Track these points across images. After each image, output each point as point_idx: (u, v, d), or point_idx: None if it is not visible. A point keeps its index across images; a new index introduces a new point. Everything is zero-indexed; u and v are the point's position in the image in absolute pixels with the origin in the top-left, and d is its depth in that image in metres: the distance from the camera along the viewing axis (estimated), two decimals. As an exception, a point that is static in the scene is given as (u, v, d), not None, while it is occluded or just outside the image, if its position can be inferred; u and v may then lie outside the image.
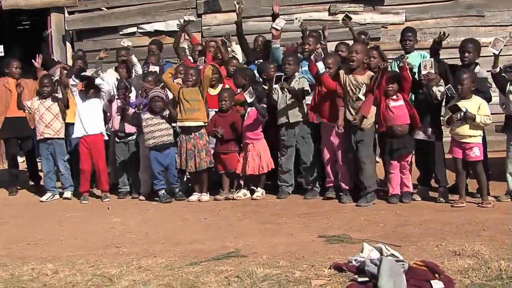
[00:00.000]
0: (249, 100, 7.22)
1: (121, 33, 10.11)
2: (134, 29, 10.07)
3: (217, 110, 7.66)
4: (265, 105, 7.43)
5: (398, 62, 7.00)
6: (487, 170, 6.84)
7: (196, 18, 8.57)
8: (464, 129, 6.51)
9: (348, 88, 6.89)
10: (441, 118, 6.80)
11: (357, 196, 6.98)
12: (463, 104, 6.45)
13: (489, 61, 6.96)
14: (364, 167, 6.86)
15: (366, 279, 4.26)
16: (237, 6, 8.42)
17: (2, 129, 8.57)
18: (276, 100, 7.38)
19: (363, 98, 6.81)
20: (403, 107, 6.75)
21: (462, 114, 6.41)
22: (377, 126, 6.95)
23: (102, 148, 7.93)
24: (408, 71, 6.63)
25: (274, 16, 8.08)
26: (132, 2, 10.27)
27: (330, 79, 6.98)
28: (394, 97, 6.77)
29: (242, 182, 7.66)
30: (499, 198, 6.69)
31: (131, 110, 7.79)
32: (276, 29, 7.78)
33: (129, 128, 7.89)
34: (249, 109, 7.47)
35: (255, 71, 7.95)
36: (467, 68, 6.68)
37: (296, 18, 8.15)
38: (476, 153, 6.51)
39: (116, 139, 7.99)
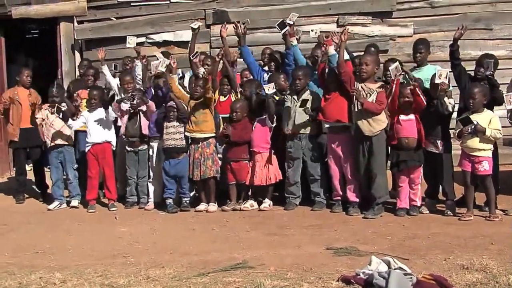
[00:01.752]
0: (269, 92, 7.20)
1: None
2: (143, 39, 10.10)
3: (225, 115, 7.67)
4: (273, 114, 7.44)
5: (407, 79, 6.90)
6: (497, 184, 6.83)
7: (199, 24, 8.34)
8: (474, 142, 6.50)
9: (360, 93, 6.88)
10: (452, 131, 6.80)
11: (364, 208, 6.97)
12: (474, 118, 6.45)
13: (500, 74, 6.98)
14: (376, 177, 6.86)
15: (374, 292, 4.26)
16: (242, 26, 8.05)
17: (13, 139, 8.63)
18: (287, 107, 7.37)
19: None
20: (412, 121, 6.75)
21: (472, 127, 6.41)
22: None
23: (110, 157, 7.98)
24: (421, 95, 6.61)
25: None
26: (141, 12, 10.31)
27: (351, 65, 7.07)
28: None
29: (249, 193, 7.65)
30: (507, 211, 6.67)
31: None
32: (290, 24, 7.62)
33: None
34: (257, 119, 7.49)
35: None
36: (479, 82, 6.70)
37: (312, 30, 8.12)
38: (485, 167, 6.50)
39: (127, 148, 7.99)
